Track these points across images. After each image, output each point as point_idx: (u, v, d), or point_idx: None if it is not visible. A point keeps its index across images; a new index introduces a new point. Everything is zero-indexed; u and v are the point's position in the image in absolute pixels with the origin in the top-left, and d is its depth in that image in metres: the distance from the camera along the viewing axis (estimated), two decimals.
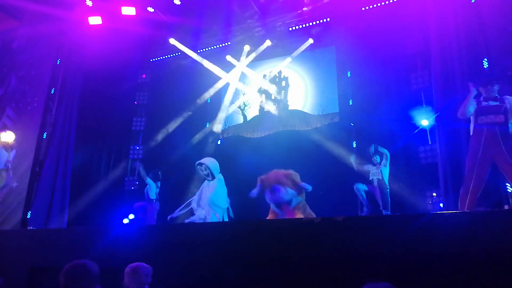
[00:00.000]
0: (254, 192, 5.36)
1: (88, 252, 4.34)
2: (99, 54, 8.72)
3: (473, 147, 4.28)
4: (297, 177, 5.29)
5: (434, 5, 6.68)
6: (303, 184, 5.25)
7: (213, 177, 6.19)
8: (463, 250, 2.95)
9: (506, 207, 5.20)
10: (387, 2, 7.94)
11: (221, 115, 9.83)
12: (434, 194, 6.80)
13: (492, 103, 4.28)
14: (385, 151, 6.66)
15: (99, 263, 2.39)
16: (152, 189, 7.65)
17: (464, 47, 6.09)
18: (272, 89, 9.72)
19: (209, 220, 5.86)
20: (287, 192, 5.11)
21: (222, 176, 6.36)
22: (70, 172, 8.21)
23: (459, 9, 6.32)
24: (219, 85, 9.92)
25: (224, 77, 9.84)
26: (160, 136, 9.64)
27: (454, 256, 2.97)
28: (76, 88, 8.78)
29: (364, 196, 6.55)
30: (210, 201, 5.98)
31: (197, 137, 9.63)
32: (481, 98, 4.40)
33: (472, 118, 4.39)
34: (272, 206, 5.29)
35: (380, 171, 6.63)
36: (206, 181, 6.33)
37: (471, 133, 4.39)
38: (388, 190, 6.55)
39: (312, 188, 5.35)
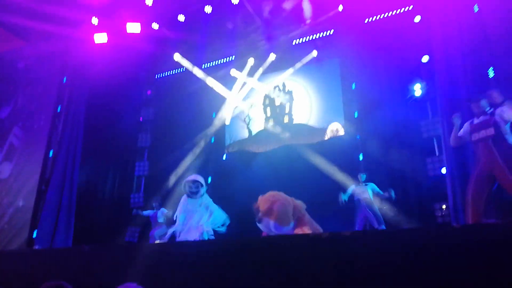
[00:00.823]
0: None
1: (94, 272, 4.30)
2: (104, 71, 8.82)
3: (474, 163, 4.39)
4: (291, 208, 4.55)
5: (437, 15, 6.69)
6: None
7: (201, 195, 5.66)
8: (474, 264, 2.87)
9: None
10: (389, 14, 7.97)
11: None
12: (444, 207, 6.68)
13: (482, 118, 4.34)
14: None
15: (106, 282, 2.33)
16: (159, 215, 7.73)
17: (468, 56, 6.07)
18: (277, 102, 9.73)
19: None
20: (278, 231, 4.43)
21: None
22: (75, 190, 8.23)
23: (462, 19, 6.32)
24: (226, 99, 9.98)
25: (228, 96, 9.88)
26: (164, 152, 9.65)
27: (465, 270, 2.88)
28: (82, 106, 8.87)
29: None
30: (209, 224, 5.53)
31: (202, 152, 9.63)
32: (474, 116, 4.47)
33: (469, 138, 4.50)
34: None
35: (366, 189, 6.72)
36: (189, 199, 5.71)
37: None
38: (376, 207, 6.64)
39: (310, 203, 5.20)
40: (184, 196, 5.81)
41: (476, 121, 4.39)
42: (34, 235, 7.42)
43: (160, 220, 7.88)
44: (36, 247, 7.15)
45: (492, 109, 4.33)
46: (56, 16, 7.96)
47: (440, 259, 3.00)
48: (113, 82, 9.03)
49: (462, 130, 4.57)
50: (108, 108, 9.20)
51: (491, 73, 5.91)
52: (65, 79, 8.94)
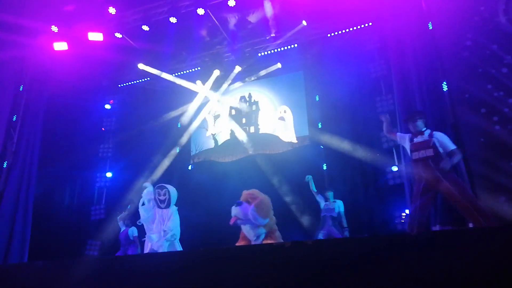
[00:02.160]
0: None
1: None
2: (65, 80, 8.54)
3: (416, 178, 4.60)
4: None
5: (393, 31, 6.99)
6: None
7: (168, 206, 5.61)
8: (433, 270, 2.98)
9: (470, 225, 5.37)
10: (350, 29, 8.29)
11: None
12: (404, 214, 6.91)
13: (420, 138, 4.66)
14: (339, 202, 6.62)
15: None
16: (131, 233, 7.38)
17: (422, 71, 6.37)
18: (243, 113, 9.79)
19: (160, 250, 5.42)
20: (246, 214, 4.76)
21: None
22: (32, 203, 7.83)
23: (417, 35, 6.64)
24: (191, 108, 9.93)
25: (197, 101, 9.88)
26: (127, 163, 9.42)
27: (422, 277, 2.99)
28: (39, 115, 8.50)
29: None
30: (170, 232, 5.47)
31: (167, 162, 9.49)
32: (411, 135, 4.77)
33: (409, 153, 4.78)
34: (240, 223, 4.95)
35: (334, 206, 6.52)
36: (157, 208, 5.69)
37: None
38: (346, 226, 6.45)
39: (277, 212, 5.26)
40: (154, 207, 5.68)
41: (415, 140, 4.67)
42: None
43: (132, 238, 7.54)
44: None
45: (429, 130, 4.66)
46: (13, 23, 7.66)
47: (399, 265, 3.11)
48: (74, 91, 8.77)
49: (400, 137, 4.91)
50: (68, 117, 8.89)
51: (444, 87, 6.24)
52: (21, 87, 8.57)
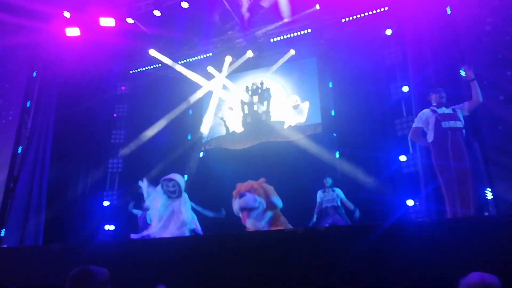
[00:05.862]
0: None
1: (65, 270, 4.16)
2: (77, 66, 8.55)
3: (440, 150, 4.42)
4: (271, 190, 5.06)
5: (410, 16, 6.82)
6: (274, 198, 4.98)
7: (180, 195, 5.60)
8: (443, 258, 2.95)
9: (486, 214, 5.27)
10: (365, 14, 8.09)
11: (206, 122, 9.78)
12: (417, 203, 6.84)
13: (446, 110, 4.49)
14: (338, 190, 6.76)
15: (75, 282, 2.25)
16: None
17: (440, 58, 6.21)
18: (255, 100, 9.72)
19: None
20: (255, 199, 4.82)
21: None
22: (46, 187, 7.92)
23: (434, 20, 6.47)
24: (200, 93, 9.89)
25: (206, 86, 9.84)
26: (139, 149, 9.45)
27: (435, 264, 2.96)
28: (52, 101, 8.54)
29: None
30: (185, 221, 5.49)
31: (178, 149, 9.51)
32: (435, 106, 4.65)
33: (431, 125, 4.55)
34: (242, 215, 4.93)
35: (334, 196, 6.67)
36: (169, 199, 5.62)
37: (431, 139, 4.49)
38: (343, 211, 6.63)
39: (289, 200, 5.26)
40: (162, 196, 5.70)
41: (439, 111, 4.54)
42: (2, 233, 7.13)
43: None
44: (4, 246, 6.88)
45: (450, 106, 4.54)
46: (25, 8, 7.65)
47: (412, 253, 3.07)
48: (86, 77, 8.78)
49: (418, 119, 4.73)
50: (80, 103, 8.90)
51: (462, 73, 6.07)
52: (35, 73, 8.60)
